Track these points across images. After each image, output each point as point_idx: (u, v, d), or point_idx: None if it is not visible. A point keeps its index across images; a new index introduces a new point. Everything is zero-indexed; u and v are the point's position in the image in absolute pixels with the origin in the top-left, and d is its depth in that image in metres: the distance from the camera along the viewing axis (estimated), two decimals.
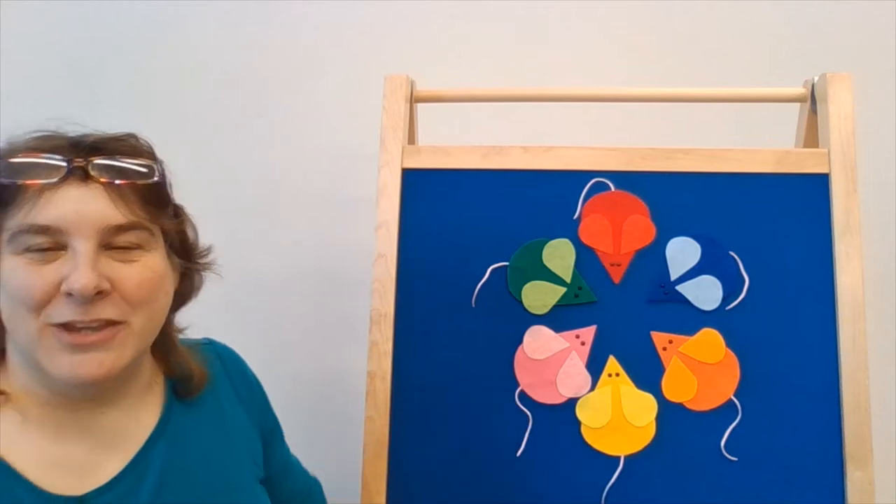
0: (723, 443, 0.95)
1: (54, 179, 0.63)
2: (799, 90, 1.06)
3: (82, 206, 0.63)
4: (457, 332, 1.00)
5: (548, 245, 1.01)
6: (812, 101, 1.04)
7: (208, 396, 0.78)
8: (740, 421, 0.96)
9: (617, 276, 1.00)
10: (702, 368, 0.97)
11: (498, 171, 1.03)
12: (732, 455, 0.95)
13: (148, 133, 0.74)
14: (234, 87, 1.38)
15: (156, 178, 0.69)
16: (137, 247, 0.66)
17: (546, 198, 1.02)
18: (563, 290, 1.00)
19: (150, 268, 0.67)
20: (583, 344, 0.99)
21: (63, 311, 0.62)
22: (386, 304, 1.00)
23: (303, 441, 0.94)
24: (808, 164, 1.00)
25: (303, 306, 1.39)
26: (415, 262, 1.02)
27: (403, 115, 1.05)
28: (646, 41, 1.34)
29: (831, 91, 1.00)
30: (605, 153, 1.03)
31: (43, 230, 0.62)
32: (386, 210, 1.03)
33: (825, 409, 0.95)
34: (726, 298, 0.98)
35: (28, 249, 0.62)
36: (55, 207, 0.62)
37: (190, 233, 0.76)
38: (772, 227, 0.99)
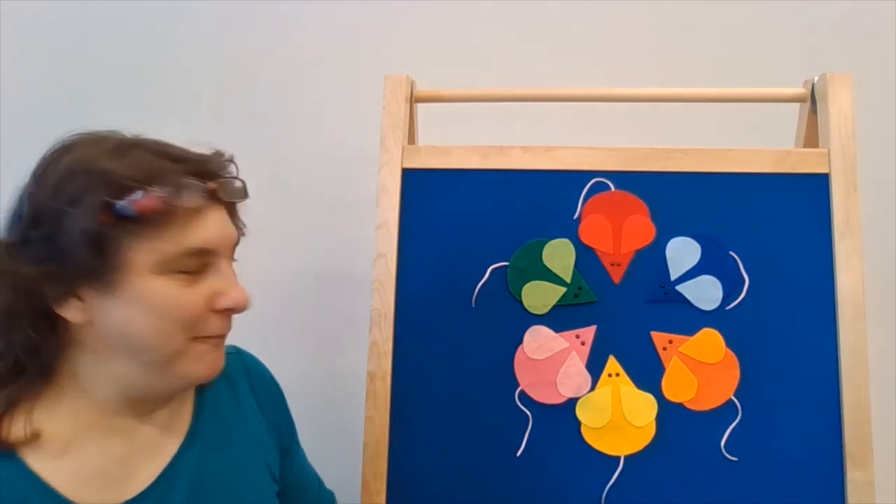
0: (723, 443, 0.95)
1: (201, 203, 0.66)
2: (799, 90, 1.06)
3: (223, 228, 0.69)
4: (457, 332, 1.00)
5: (548, 245, 1.01)
6: (812, 101, 1.04)
7: (233, 405, 0.81)
8: (740, 421, 0.96)
9: (617, 276, 1.00)
10: (702, 368, 0.97)
11: (498, 171, 1.03)
12: (732, 455, 0.95)
13: (146, 133, 0.73)
14: (234, 87, 1.38)
15: (247, 195, 0.73)
16: (235, 260, 0.72)
17: (546, 198, 1.02)
18: (563, 290, 1.00)
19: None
20: (583, 344, 0.99)
21: (215, 325, 0.68)
22: (386, 304, 1.01)
23: (302, 441, 0.94)
24: (808, 164, 1.00)
25: (303, 306, 1.39)
26: (415, 262, 1.02)
27: (403, 115, 1.05)
28: (646, 41, 1.34)
29: (831, 91, 1.00)
30: (605, 153, 1.03)
31: (199, 252, 0.66)
32: (386, 210, 1.03)
33: (825, 409, 0.94)
34: (726, 298, 0.98)
35: (179, 270, 0.65)
36: (205, 230, 0.67)
37: None
38: (772, 227, 0.99)
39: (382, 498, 0.96)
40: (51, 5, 1.40)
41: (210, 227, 0.67)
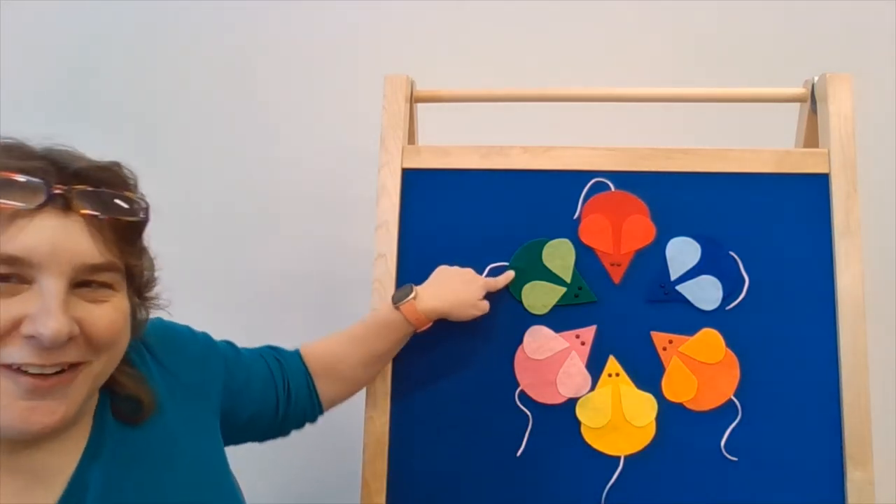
0: (723, 443, 0.95)
1: (31, 206, 0.55)
2: (799, 90, 1.06)
3: (59, 240, 0.56)
4: (457, 331, 1.00)
5: (548, 245, 1.01)
6: (812, 101, 1.04)
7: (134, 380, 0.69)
8: (740, 421, 0.96)
9: (617, 276, 1.00)
10: (702, 368, 0.97)
11: (498, 171, 1.03)
12: (732, 455, 0.95)
13: (146, 133, 0.73)
14: (234, 87, 1.38)
15: (141, 216, 0.62)
16: (108, 286, 0.60)
17: (546, 198, 1.02)
18: (563, 290, 1.00)
19: (118, 309, 0.61)
20: (583, 344, 0.99)
21: (20, 353, 0.55)
22: None
23: (303, 441, 0.94)
24: (808, 164, 1.00)
25: (303, 306, 1.39)
26: (415, 262, 1.02)
27: (403, 115, 1.05)
28: (646, 41, 1.34)
29: (831, 91, 1.00)
30: (605, 153, 1.03)
31: (10, 261, 0.55)
32: (386, 210, 1.03)
33: (825, 409, 0.94)
34: (726, 298, 0.98)
35: None
36: (28, 237, 0.55)
37: (147, 272, 0.68)
38: (772, 227, 0.99)
39: (382, 498, 0.96)
40: (51, 5, 1.40)
41: (36, 235, 0.55)
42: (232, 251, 1.39)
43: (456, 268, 0.98)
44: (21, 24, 1.40)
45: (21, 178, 0.55)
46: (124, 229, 0.61)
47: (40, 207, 0.56)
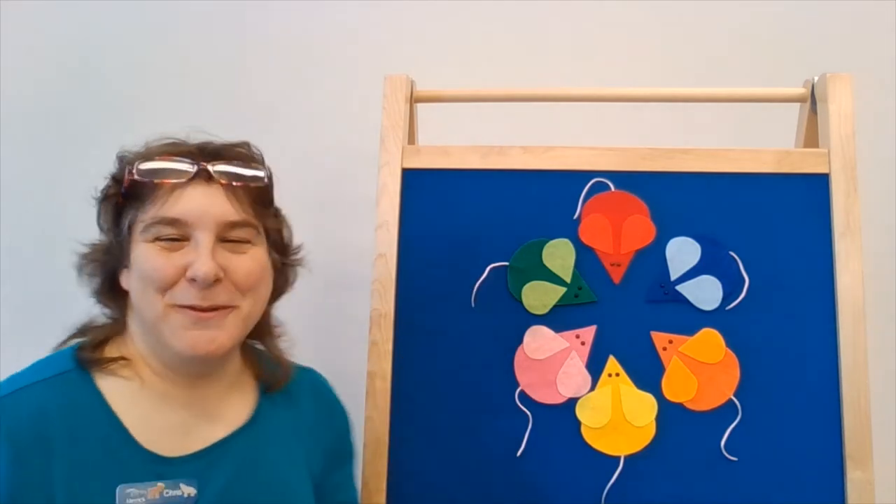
0: (723, 443, 0.95)
1: (183, 180, 0.73)
2: (799, 90, 1.06)
3: (205, 204, 0.73)
4: (457, 331, 1.00)
5: (548, 245, 1.01)
6: (812, 101, 1.04)
7: (289, 419, 0.85)
8: (740, 421, 0.96)
9: (617, 276, 1.00)
10: (702, 368, 0.97)
11: (498, 171, 1.03)
12: (732, 455, 0.95)
13: (146, 133, 0.77)
14: (234, 87, 1.38)
15: (265, 182, 0.79)
16: (246, 241, 0.76)
17: (546, 198, 1.02)
18: (563, 290, 1.00)
19: (256, 260, 0.76)
20: (583, 344, 0.99)
21: (186, 295, 0.72)
22: (386, 304, 1.01)
23: None
24: (808, 164, 1.00)
25: (303, 306, 1.38)
26: (415, 262, 1.02)
27: (403, 115, 1.05)
28: (646, 41, 1.34)
29: (831, 91, 1.00)
30: (605, 153, 1.03)
31: (172, 222, 0.72)
32: (386, 210, 1.03)
33: (825, 410, 0.95)
34: (726, 298, 0.98)
35: (159, 238, 0.72)
36: (183, 203, 0.72)
37: (286, 232, 0.85)
38: (772, 227, 0.99)
39: (382, 498, 0.96)
40: (51, 5, 1.40)
41: (189, 201, 0.72)
42: None
43: None
44: (21, 24, 1.40)
45: (175, 160, 0.74)
46: (254, 193, 0.77)
47: (190, 180, 0.73)
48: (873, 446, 0.93)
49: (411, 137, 1.09)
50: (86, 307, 0.81)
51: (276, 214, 0.83)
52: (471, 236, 1.02)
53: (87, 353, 0.76)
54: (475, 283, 1.01)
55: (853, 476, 0.93)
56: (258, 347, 0.87)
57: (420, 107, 1.12)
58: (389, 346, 1.00)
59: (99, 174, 0.80)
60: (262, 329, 0.85)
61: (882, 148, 1.29)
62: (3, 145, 1.38)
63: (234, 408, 0.81)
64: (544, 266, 1.01)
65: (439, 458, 0.98)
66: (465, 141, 1.05)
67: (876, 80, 1.27)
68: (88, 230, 0.80)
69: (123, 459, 0.72)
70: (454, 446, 0.98)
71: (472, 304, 1.01)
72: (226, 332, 0.74)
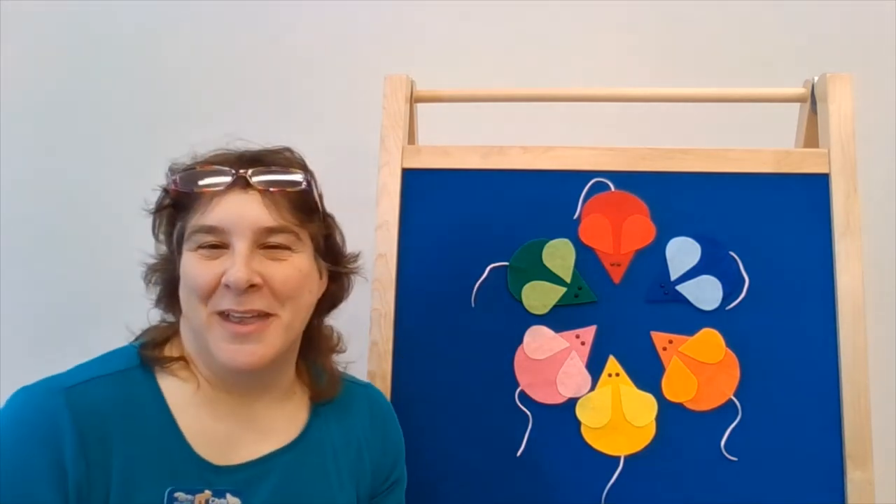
0: (723, 443, 0.95)
1: (221, 187, 0.73)
2: (799, 90, 1.06)
3: (241, 210, 0.72)
4: (457, 331, 1.00)
5: (548, 245, 1.01)
6: (812, 101, 1.04)
7: (341, 435, 0.83)
8: (740, 421, 0.96)
9: (617, 276, 1.00)
10: (702, 368, 0.97)
11: (498, 171, 1.03)
12: (732, 455, 0.95)
13: (146, 133, 0.76)
14: (234, 87, 1.38)
15: (303, 187, 0.76)
16: (286, 248, 0.74)
17: (546, 198, 1.02)
18: (563, 290, 1.00)
19: (296, 267, 0.75)
20: (583, 344, 0.99)
21: (222, 301, 0.71)
22: (386, 303, 1.01)
23: None
24: (808, 164, 1.00)
25: None
26: (415, 262, 1.02)
27: (403, 115, 1.05)
28: (645, 41, 1.34)
29: (831, 91, 1.00)
30: (605, 153, 1.03)
31: (210, 230, 0.72)
32: (386, 210, 1.03)
33: (825, 410, 0.95)
34: (726, 298, 0.98)
35: (201, 246, 0.72)
36: (220, 210, 0.72)
37: (338, 238, 0.84)
38: (772, 227, 0.99)
39: None
40: (51, 5, 1.40)
41: (226, 208, 0.72)
42: None
43: None
44: (21, 24, 1.40)
45: (214, 168, 0.74)
46: (293, 198, 0.75)
47: (229, 188, 0.73)
48: (873, 446, 0.93)
49: (411, 137, 1.09)
50: (84, 309, 0.80)
51: (325, 220, 0.82)
52: (471, 236, 1.02)
53: (150, 351, 0.76)
54: (475, 283, 1.01)
55: (853, 476, 0.93)
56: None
57: (420, 107, 1.12)
58: (389, 346, 1.00)
59: (103, 176, 0.80)
60: (314, 341, 0.84)
61: (882, 148, 1.29)
62: (2, 145, 1.38)
63: (284, 422, 0.80)
64: (544, 266, 1.01)
65: (439, 457, 0.98)
66: (465, 141, 1.05)
67: (876, 80, 1.27)
68: (96, 230, 0.79)
69: (176, 462, 0.72)
70: (454, 446, 0.98)
71: (472, 304, 1.01)
72: (266, 344, 0.73)
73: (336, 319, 0.86)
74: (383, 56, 1.35)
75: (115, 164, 1.34)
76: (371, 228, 1.02)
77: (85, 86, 1.40)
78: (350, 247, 0.85)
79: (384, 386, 0.99)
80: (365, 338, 1.00)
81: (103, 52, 1.40)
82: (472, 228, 1.03)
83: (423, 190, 1.04)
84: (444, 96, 1.10)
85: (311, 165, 0.82)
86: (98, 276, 1.33)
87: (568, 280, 1.01)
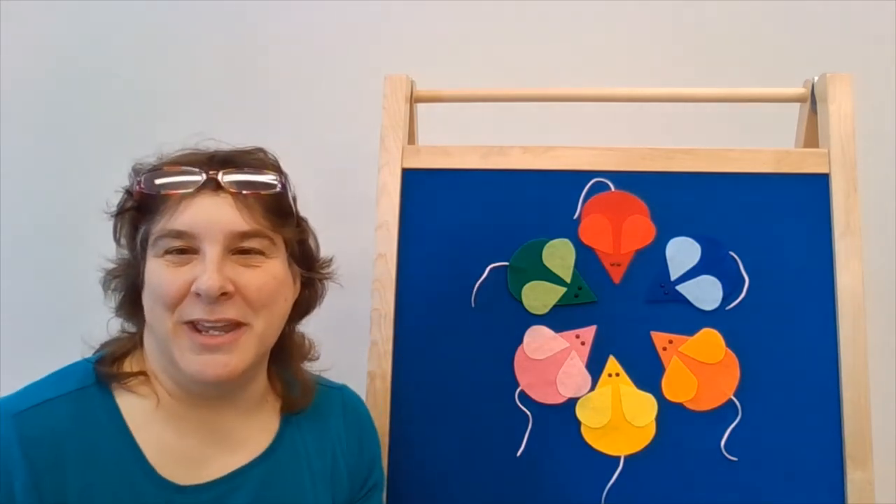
0: (723, 443, 0.95)
1: (191, 190, 0.69)
2: (799, 90, 1.06)
3: (212, 214, 0.69)
4: (457, 331, 1.00)
5: (548, 245, 1.01)
6: (812, 101, 1.04)
7: (315, 439, 0.81)
8: (740, 421, 0.96)
9: (617, 276, 1.00)
10: (702, 368, 0.97)
11: (498, 171, 1.03)
12: (732, 455, 0.95)
13: (146, 133, 0.75)
14: (234, 87, 1.38)
15: (278, 189, 0.73)
16: (259, 253, 0.71)
17: (546, 198, 1.02)
18: (563, 290, 1.00)
19: (270, 273, 0.71)
20: (583, 344, 0.99)
21: (192, 310, 0.67)
22: (386, 303, 1.01)
23: None
24: (808, 164, 1.00)
25: None
26: (415, 262, 1.02)
27: (403, 115, 1.05)
28: (646, 41, 1.34)
29: (831, 91, 1.00)
30: (605, 153, 1.03)
31: (179, 234, 0.68)
32: (386, 210, 1.03)
33: (825, 409, 0.95)
34: (726, 298, 0.98)
35: (167, 252, 0.69)
36: (190, 215, 0.68)
37: (311, 243, 0.81)
38: (772, 227, 0.99)
39: None
40: (51, 5, 1.40)
41: (195, 212, 0.69)
42: None
43: None
44: (21, 23, 1.40)
45: (182, 170, 0.70)
46: (268, 202, 0.72)
47: (199, 191, 0.69)
48: (873, 446, 0.93)
49: (411, 137, 1.09)
50: (85, 311, 0.78)
51: (299, 224, 0.78)
52: (471, 236, 1.02)
53: (107, 367, 0.72)
54: (475, 283, 1.01)
55: (853, 476, 0.93)
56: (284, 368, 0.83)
57: (420, 107, 1.12)
58: (389, 346, 1.00)
59: (100, 178, 0.79)
60: (285, 349, 0.80)
61: (882, 148, 1.29)
62: (3, 146, 1.39)
63: (254, 434, 0.76)
64: (544, 266, 1.01)
65: (439, 458, 0.98)
66: (465, 141, 1.05)
67: (876, 80, 1.27)
68: (93, 234, 0.78)
69: (137, 486, 0.68)
70: (454, 446, 0.98)
71: (472, 304, 1.01)
72: (238, 355, 0.69)
73: (336, 320, 0.86)
74: (383, 56, 1.35)
75: (116, 165, 1.34)
76: (371, 228, 1.02)
77: (85, 86, 1.40)
78: (350, 247, 0.85)
79: (384, 386, 0.99)
80: (365, 338, 1.00)
81: (100, 51, 1.40)
82: (472, 228, 1.03)
83: (423, 190, 1.04)
84: (444, 96, 1.10)
85: (310, 166, 0.81)
86: (98, 276, 1.33)
87: (568, 280, 1.01)
